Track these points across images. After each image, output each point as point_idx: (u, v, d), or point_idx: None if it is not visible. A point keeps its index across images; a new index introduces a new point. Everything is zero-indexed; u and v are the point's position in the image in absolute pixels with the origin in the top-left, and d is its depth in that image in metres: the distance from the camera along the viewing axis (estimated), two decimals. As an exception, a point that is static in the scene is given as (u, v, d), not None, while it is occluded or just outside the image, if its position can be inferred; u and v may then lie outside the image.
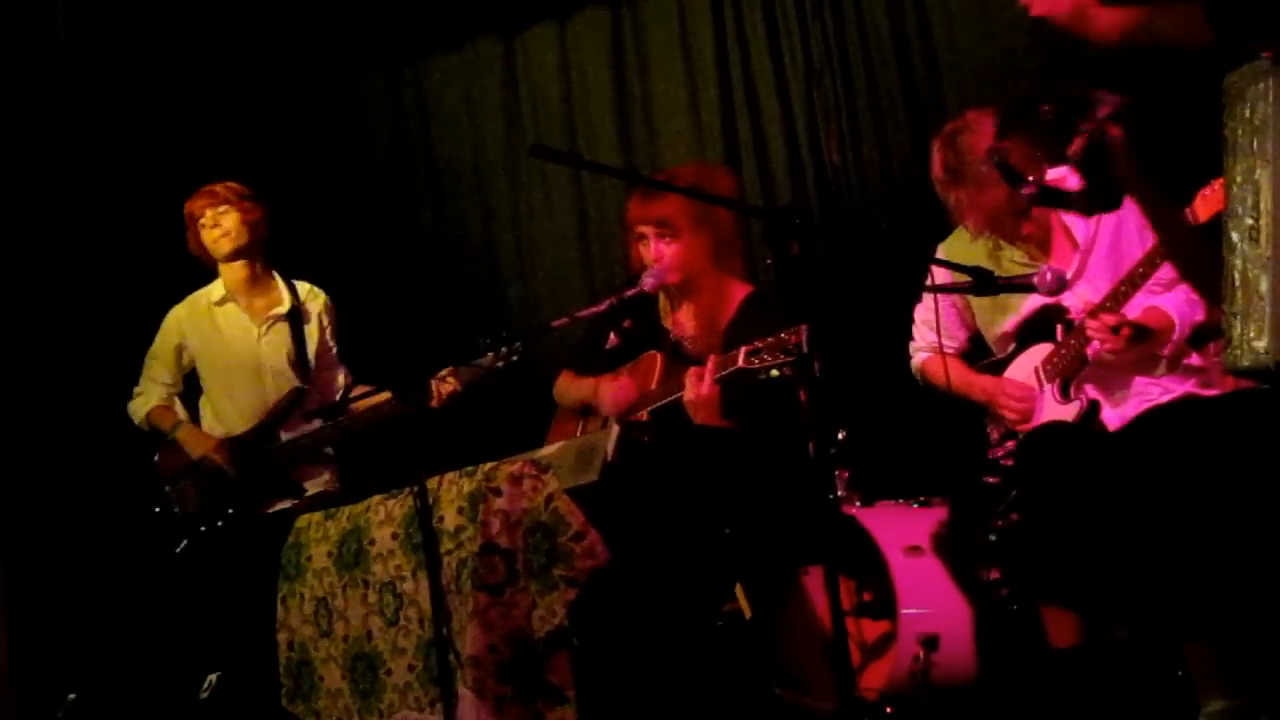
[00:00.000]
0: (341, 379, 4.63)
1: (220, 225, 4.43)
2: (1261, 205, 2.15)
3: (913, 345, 3.86)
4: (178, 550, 4.36)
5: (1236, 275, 2.18)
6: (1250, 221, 2.16)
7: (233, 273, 4.51)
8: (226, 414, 4.51)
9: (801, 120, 4.74)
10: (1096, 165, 2.31)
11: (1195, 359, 3.43)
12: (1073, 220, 3.46)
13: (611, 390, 3.79)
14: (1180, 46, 2.25)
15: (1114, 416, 3.35)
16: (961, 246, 3.62)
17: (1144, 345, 3.31)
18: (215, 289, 4.55)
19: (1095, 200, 2.34)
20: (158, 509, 4.45)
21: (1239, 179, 2.18)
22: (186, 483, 4.44)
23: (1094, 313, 3.29)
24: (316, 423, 4.41)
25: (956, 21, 4.47)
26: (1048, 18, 2.42)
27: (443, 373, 4.11)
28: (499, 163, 5.32)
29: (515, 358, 3.90)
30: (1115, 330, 3.24)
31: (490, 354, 3.93)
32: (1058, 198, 2.38)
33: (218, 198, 4.45)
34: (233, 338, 4.51)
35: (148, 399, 4.56)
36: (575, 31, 5.17)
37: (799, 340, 3.10)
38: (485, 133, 5.34)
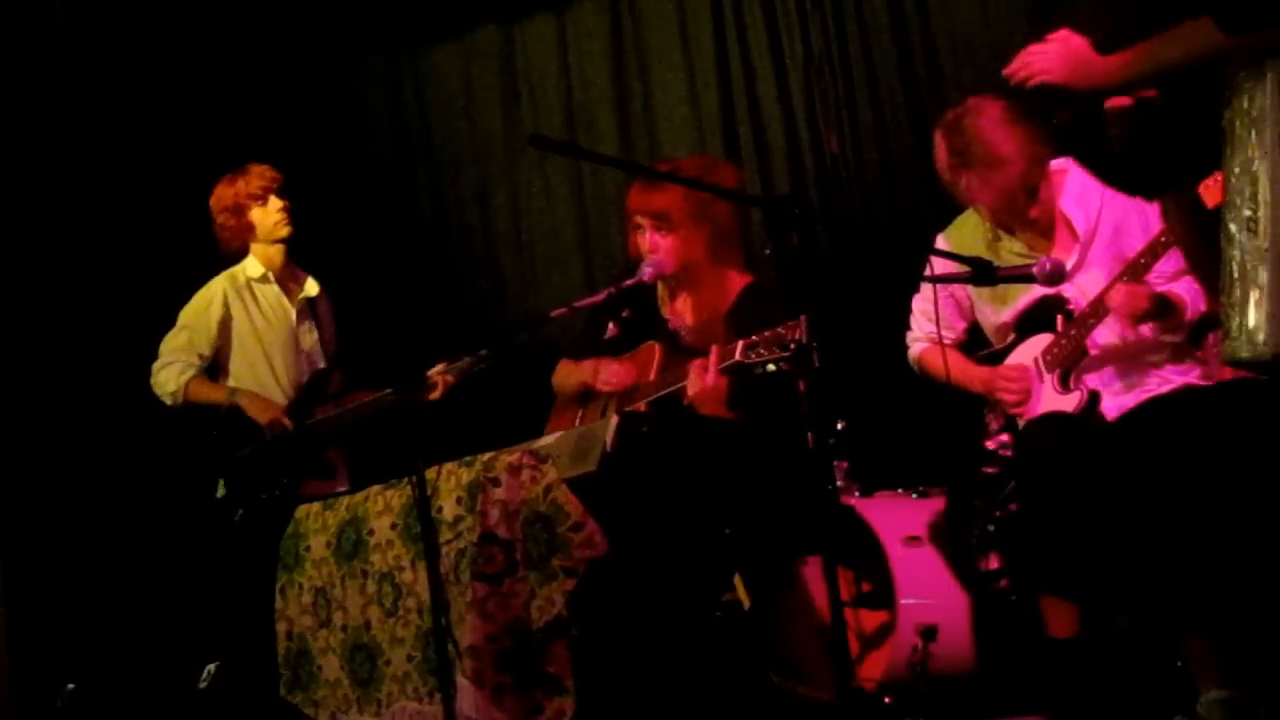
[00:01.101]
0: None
1: (286, 209, 4.45)
2: (1260, 197, 2.15)
3: (910, 336, 3.85)
4: (235, 519, 4.26)
5: (1235, 267, 2.18)
6: (1249, 213, 2.16)
7: (271, 257, 4.52)
8: (266, 387, 4.46)
9: (801, 110, 4.73)
10: (1139, 144, 2.32)
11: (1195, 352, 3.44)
12: (1073, 211, 3.45)
13: (609, 370, 3.79)
14: (1190, 65, 2.23)
15: (1113, 407, 3.35)
16: (961, 236, 3.61)
17: (1162, 320, 3.29)
18: (252, 267, 4.52)
19: (1133, 178, 2.34)
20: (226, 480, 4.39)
21: (1237, 170, 2.18)
22: (249, 451, 4.34)
23: (1116, 281, 3.27)
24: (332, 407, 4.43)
25: (956, 12, 4.46)
26: (1047, 84, 2.41)
27: (438, 368, 4.11)
28: (498, 152, 5.31)
29: (482, 365, 3.94)
30: (1139, 300, 3.22)
31: (467, 359, 3.97)
32: (1093, 141, 2.38)
33: (280, 183, 4.47)
34: (274, 315, 4.52)
35: (183, 371, 4.41)
36: (574, 21, 5.16)
37: (797, 335, 3.09)
38: (484, 122, 5.33)
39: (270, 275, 4.52)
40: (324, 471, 4.42)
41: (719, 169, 3.89)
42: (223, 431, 4.36)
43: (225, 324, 4.49)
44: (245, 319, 4.51)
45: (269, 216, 4.46)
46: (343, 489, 4.37)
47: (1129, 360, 3.40)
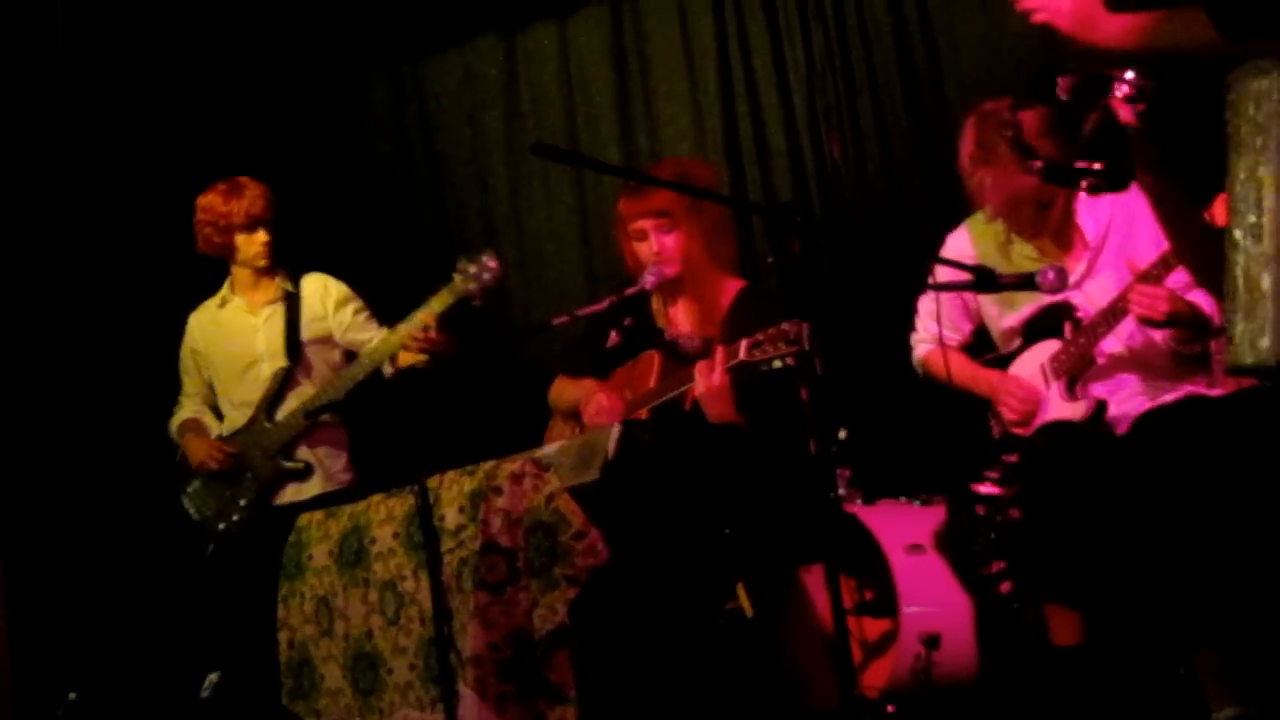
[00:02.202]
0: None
1: (269, 243, 4.44)
2: (1265, 203, 2.14)
3: (915, 337, 3.85)
4: (206, 555, 4.36)
5: (1239, 273, 2.17)
6: (1253, 219, 2.15)
7: (243, 273, 4.52)
8: (230, 412, 4.51)
9: (802, 117, 4.72)
10: (1107, 145, 2.29)
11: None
12: (1084, 218, 3.43)
13: (597, 404, 3.78)
14: (1191, 53, 2.21)
15: (1120, 416, 3.33)
16: (975, 234, 3.60)
17: (1183, 328, 3.19)
18: (223, 290, 4.57)
19: (1104, 177, 2.32)
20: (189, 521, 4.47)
21: (1242, 176, 2.17)
22: (197, 486, 4.45)
23: (1140, 278, 3.18)
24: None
25: (958, 18, 4.46)
26: (1051, 24, 2.39)
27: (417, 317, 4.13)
28: (499, 160, 5.31)
29: (491, 268, 4.05)
30: (1158, 303, 3.14)
31: (458, 275, 4.09)
32: (1065, 174, 2.35)
33: (270, 215, 4.42)
34: (235, 334, 4.52)
35: (180, 414, 4.59)
36: (576, 29, 5.16)
37: (800, 331, 3.09)
38: (486, 130, 5.33)
39: (231, 296, 4.54)
40: (294, 476, 4.39)
41: (695, 168, 3.90)
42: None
43: (196, 357, 4.58)
44: (208, 346, 4.56)
45: (251, 247, 4.44)
46: (327, 489, 4.36)
47: (1137, 370, 3.38)
